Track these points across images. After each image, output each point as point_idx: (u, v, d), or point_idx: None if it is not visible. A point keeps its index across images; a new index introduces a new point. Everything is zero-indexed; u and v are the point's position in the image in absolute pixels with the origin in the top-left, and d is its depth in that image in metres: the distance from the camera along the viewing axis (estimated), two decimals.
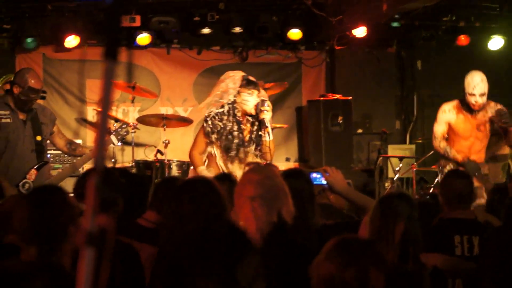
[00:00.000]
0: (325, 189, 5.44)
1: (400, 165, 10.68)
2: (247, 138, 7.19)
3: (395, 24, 11.92)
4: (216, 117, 7.17)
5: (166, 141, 10.21)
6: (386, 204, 4.11)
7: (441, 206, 5.44)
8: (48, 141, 8.03)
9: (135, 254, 4.25)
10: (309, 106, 12.45)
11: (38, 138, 7.72)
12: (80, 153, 7.98)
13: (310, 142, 12.42)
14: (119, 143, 8.37)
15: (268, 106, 7.10)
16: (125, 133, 8.22)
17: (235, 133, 7.15)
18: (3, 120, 7.63)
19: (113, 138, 8.06)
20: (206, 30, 11.75)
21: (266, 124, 7.07)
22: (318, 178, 5.57)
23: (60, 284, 3.13)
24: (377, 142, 12.54)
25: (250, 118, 7.23)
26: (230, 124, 7.16)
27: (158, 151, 10.42)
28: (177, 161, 10.58)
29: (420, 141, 11.98)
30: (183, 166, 10.57)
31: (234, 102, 7.15)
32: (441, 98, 13.12)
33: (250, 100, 7.14)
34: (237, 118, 7.16)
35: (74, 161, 8.11)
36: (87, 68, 12.08)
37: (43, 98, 8.02)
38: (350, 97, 12.02)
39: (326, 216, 4.91)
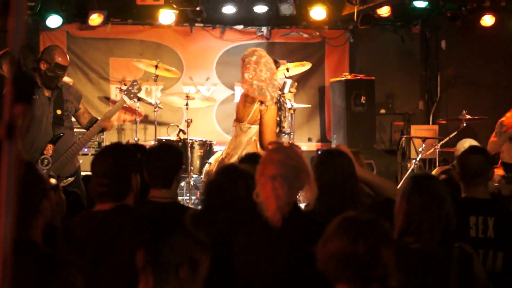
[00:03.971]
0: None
1: (423, 145, 10.63)
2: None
3: (419, 4, 11.86)
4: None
5: (189, 120, 10.23)
6: (428, 187, 4.08)
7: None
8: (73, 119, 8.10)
9: None
10: (332, 86, 12.42)
11: (58, 111, 7.76)
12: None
13: (332, 122, 12.40)
14: (132, 101, 8.32)
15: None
16: (136, 91, 8.18)
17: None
18: None
19: (125, 97, 8.05)
20: (229, 9, 11.73)
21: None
22: None
23: (32, 259, 3.14)
24: (400, 122, 12.51)
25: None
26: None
27: (181, 130, 10.45)
28: (200, 140, 10.61)
29: (443, 121, 11.92)
30: (205, 145, 10.60)
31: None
32: (465, 78, 13.12)
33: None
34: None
35: (80, 138, 8.10)
36: (111, 46, 12.13)
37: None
38: (373, 77, 11.98)
39: None
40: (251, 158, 5.51)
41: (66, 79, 8.36)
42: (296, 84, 7.33)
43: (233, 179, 4.28)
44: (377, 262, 2.91)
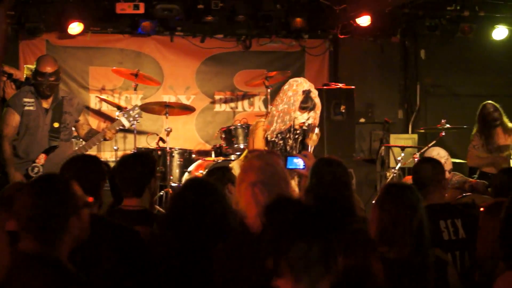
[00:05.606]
0: (303, 174, 5.50)
1: (402, 154, 10.67)
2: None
3: (398, 14, 11.94)
4: (279, 135, 7.25)
5: (168, 129, 10.21)
6: (400, 195, 4.12)
7: None
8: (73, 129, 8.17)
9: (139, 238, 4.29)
10: None
11: (56, 125, 7.84)
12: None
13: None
14: (130, 124, 8.31)
15: (316, 135, 7.23)
16: (137, 116, 8.17)
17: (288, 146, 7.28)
18: (26, 108, 7.84)
19: (123, 120, 8.05)
20: (209, 18, 11.74)
21: (308, 149, 7.18)
22: (296, 162, 5.62)
23: (55, 279, 3.12)
24: (379, 131, 12.55)
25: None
26: (290, 140, 7.26)
27: (160, 139, 10.46)
28: (179, 149, 10.63)
29: (422, 130, 11.97)
30: (185, 154, 10.61)
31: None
32: (444, 87, 13.21)
33: (301, 117, 7.21)
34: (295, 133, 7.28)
35: (84, 144, 8.15)
36: (91, 55, 12.09)
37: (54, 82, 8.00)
38: (353, 86, 12.00)
39: None
40: (219, 170, 5.56)
41: None
42: (318, 131, 7.30)
43: (199, 192, 4.25)
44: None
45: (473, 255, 4.93)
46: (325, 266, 2.87)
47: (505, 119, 9.84)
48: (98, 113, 11.87)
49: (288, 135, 7.21)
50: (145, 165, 4.96)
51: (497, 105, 9.90)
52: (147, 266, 4.13)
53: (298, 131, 7.25)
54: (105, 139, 8.20)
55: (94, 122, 11.63)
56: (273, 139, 7.17)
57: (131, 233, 4.36)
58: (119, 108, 10.27)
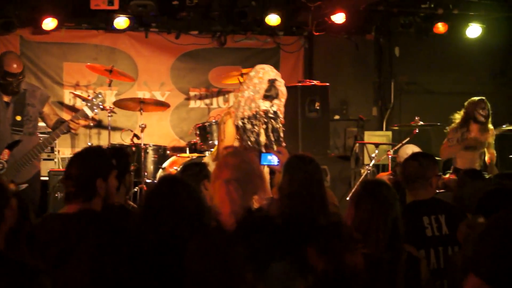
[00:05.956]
0: (276, 170, 5.52)
1: (376, 151, 10.70)
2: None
3: (373, 11, 11.99)
4: (247, 121, 7.28)
5: (143, 125, 10.19)
6: (376, 192, 4.14)
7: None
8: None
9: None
10: (286, 92, 12.39)
11: (18, 118, 7.70)
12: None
13: (287, 128, 12.38)
14: (94, 112, 8.17)
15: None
16: (100, 103, 8.01)
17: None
18: None
19: (86, 109, 7.90)
20: (184, 14, 11.71)
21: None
22: (270, 159, 5.64)
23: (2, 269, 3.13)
24: (353, 128, 12.59)
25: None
26: (256, 127, 7.27)
27: (135, 135, 10.41)
28: (154, 145, 10.60)
29: (396, 127, 12.02)
30: (160, 150, 10.59)
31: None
32: (418, 85, 13.27)
33: (263, 105, 7.26)
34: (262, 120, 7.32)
35: (48, 136, 8.01)
36: (65, 51, 12.02)
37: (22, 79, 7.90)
38: (328, 83, 12.02)
39: None
40: (195, 166, 5.57)
41: None
42: None
43: (173, 188, 4.25)
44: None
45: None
46: (303, 277, 2.88)
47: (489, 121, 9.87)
48: (72, 109, 11.79)
49: (255, 122, 7.25)
50: (122, 160, 4.98)
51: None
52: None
53: (265, 119, 7.29)
54: (69, 131, 8.00)
55: (68, 118, 11.54)
56: (239, 123, 7.20)
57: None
58: (84, 99, 10.20)
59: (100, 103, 7.95)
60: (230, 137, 7.24)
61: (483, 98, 9.70)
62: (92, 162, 4.54)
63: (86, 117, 7.91)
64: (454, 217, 5.20)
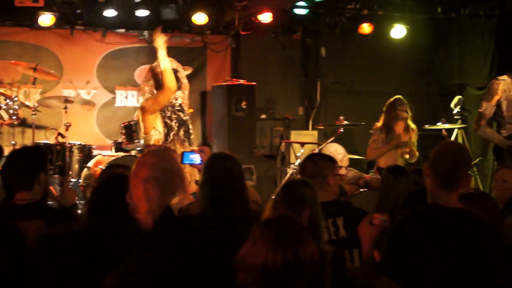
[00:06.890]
0: (199, 169, 5.54)
1: (302, 150, 10.77)
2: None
3: (299, 11, 12.07)
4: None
5: (68, 124, 10.09)
6: (291, 190, 4.18)
7: None
8: None
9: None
10: (213, 91, 12.44)
11: None
12: None
13: (214, 127, 12.43)
14: (10, 118, 8.05)
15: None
16: (16, 107, 7.90)
17: None
18: None
19: (2, 112, 7.79)
20: (111, 12, 11.61)
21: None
22: (192, 158, 5.66)
23: None
24: (280, 127, 12.64)
25: None
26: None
27: (59, 133, 10.30)
28: (79, 144, 10.50)
29: (322, 127, 12.12)
30: (85, 149, 10.50)
31: None
32: (344, 85, 13.41)
33: None
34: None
35: None
36: None
37: None
38: (254, 83, 12.08)
39: None
40: (118, 167, 5.62)
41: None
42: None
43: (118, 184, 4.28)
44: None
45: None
46: None
47: (410, 118, 10.01)
48: None
49: (168, 114, 7.31)
50: (32, 158, 5.02)
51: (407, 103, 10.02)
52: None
53: (174, 110, 7.35)
54: None
55: None
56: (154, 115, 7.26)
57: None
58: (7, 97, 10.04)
59: (17, 107, 7.88)
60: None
61: (399, 96, 9.88)
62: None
63: (1, 120, 7.83)
64: (353, 220, 4.97)
